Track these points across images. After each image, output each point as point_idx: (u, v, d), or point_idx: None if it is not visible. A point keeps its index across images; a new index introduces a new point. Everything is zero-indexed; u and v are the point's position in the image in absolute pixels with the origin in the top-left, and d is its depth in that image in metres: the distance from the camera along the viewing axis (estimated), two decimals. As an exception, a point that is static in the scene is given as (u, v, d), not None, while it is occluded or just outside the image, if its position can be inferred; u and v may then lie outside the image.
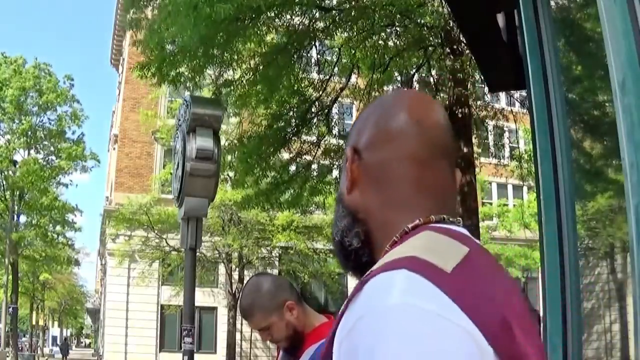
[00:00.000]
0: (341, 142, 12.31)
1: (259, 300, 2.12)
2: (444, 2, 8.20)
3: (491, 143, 13.83)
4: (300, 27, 9.77)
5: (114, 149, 29.11)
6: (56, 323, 59.82)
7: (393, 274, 0.74)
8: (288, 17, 9.76)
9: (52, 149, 26.46)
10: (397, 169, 0.88)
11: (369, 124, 0.92)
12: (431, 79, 11.37)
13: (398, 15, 9.59)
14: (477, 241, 0.88)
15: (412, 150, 0.88)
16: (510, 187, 27.39)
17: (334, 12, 9.73)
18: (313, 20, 9.88)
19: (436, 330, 0.69)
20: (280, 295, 2.12)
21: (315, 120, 11.17)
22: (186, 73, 9.16)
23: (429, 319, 0.69)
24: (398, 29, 10.31)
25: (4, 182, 25.16)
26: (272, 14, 9.08)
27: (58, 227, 27.20)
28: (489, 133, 13.45)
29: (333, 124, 12.09)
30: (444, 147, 0.90)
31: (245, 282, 2.51)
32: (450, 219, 0.89)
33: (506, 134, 15.53)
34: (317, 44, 10.74)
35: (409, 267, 0.74)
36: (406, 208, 0.87)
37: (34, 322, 44.43)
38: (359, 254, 0.89)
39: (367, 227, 0.88)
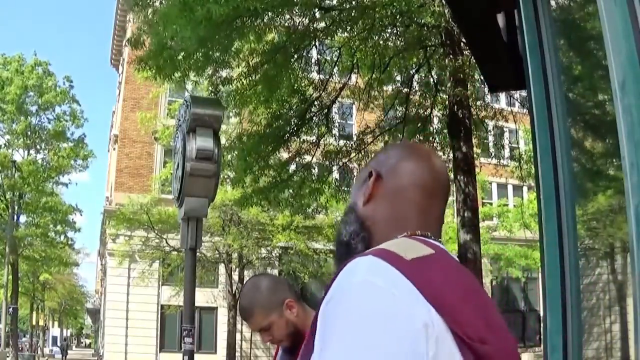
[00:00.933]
0: (341, 142, 12.30)
1: (259, 298, 2.11)
2: (444, 2, 8.20)
3: (491, 143, 13.82)
4: (300, 27, 9.76)
5: (114, 149, 29.11)
6: (56, 323, 59.82)
7: (360, 259, 0.93)
8: (288, 16, 9.75)
9: (52, 148, 26.41)
10: (407, 194, 1.09)
11: (392, 155, 1.15)
12: (431, 79, 11.36)
13: (398, 16, 9.58)
14: (453, 256, 1.06)
15: (422, 182, 1.11)
16: (510, 187, 27.38)
17: (334, 12, 9.72)
18: (313, 20, 9.86)
19: (385, 303, 0.86)
20: (279, 293, 2.11)
21: (314, 120, 11.16)
22: (185, 71, 9.12)
23: (381, 293, 0.86)
24: (398, 29, 10.31)
25: (4, 183, 25.12)
26: (272, 14, 9.06)
27: (59, 227, 27.19)
28: (489, 133, 13.44)
29: (333, 124, 12.07)
30: (442, 190, 1.14)
31: (245, 282, 2.51)
32: (433, 237, 1.08)
33: (506, 135, 15.52)
34: (317, 43, 10.73)
35: (374, 254, 0.93)
36: (404, 224, 1.07)
37: (34, 323, 44.43)
38: None
39: (370, 234, 1.08)
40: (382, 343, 0.82)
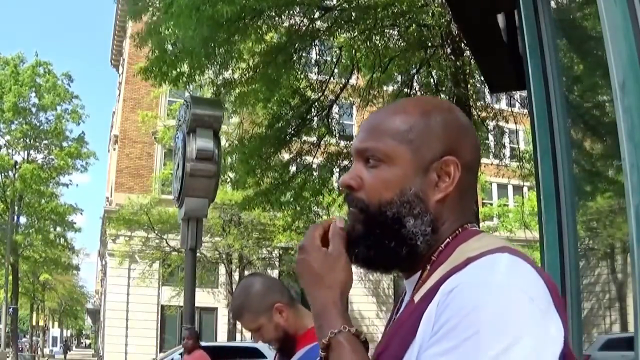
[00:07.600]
0: (342, 143, 12.27)
1: (248, 302, 2.12)
2: (444, 3, 8.20)
3: (492, 144, 13.81)
4: (301, 27, 9.75)
5: (114, 149, 29.10)
6: (56, 324, 59.78)
7: (497, 256, 0.86)
8: (288, 17, 9.75)
9: (52, 148, 26.37)
10: (473, 182, 1.01)
11: (454, 132, 0.98)
12: (432, 80, 11.35)
13: (399, 16, 9.58)
14: None
15: (478, 166, 1.02)
16: (510, 188, 27.36)
17: (334, 12, 9.72)
18: (313, 20, 9.86)
19: (526, 313, 0.79)
20: (269, 297, 2.11)
21: (315, 120, 11.15)
22: (187, 72, 9.13)
23: (523, 302, 0.80)
24: (399, 29, 10.30)
25: (4, 184, 25.09)
26: (273, 14, 9.07)
27: (58, 229, 27.16)
28: (490, 134, 13.43)
29: (333, 124, 12.06)
30: None
31: (239, 281, 2.50)
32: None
33: (506, 135, 15.52)
34: (317, 43, 10.73)
35: (509, 252, 0.88)
36: (464, 216, 0.98)
37: (34, 323, 44.42)
38: (421, 252, 0.95)
39: (436, 236, 0.95)
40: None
